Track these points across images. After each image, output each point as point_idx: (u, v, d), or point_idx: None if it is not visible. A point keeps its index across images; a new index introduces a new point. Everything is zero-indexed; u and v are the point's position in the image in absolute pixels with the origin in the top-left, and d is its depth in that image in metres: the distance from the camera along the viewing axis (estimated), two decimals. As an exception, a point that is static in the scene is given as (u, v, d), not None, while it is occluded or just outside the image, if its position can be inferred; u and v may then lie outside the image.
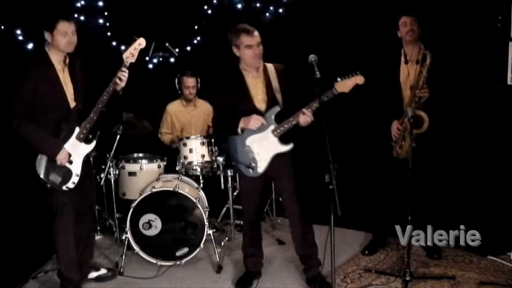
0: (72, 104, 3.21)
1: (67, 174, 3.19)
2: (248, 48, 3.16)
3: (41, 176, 3.14)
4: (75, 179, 3.22)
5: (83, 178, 3.29)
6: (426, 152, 3.58)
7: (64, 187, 3.19)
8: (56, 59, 3.17)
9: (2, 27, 4.07)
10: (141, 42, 3.25)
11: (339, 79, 3.05)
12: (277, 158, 3.25)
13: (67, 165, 3.19)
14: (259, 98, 3.26)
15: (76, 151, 3.22)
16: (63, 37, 3.10)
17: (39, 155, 3.14)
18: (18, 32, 4.19)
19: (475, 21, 3.90)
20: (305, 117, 3.10)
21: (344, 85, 3.06)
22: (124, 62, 3.22)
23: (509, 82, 3.84)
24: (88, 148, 3.29)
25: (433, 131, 3.56)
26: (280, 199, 3.69)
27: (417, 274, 3.55)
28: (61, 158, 3.14)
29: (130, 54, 3.23)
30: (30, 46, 4.23)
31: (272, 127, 3.20)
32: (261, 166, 3.25)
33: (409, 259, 3.42)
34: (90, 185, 3.50)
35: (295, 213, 3.39)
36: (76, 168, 3.22)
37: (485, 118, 3.95)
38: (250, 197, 3.44)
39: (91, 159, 3.84)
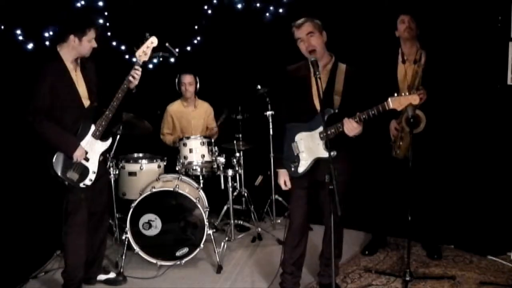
0: (86, 103, 3.24)
1: (84, 171, 3.22)
2: (299, 41, 3.02)
3: (59, 173, 3.14)
4: (92, 176, 3.25)
5: (98, 178, 3.32)
6: (424, 152, 3.58)
7: (81, 184, 3.22)
8: (68, 58, 3.18)
9: (2, 27, 4.07)
10: (153, 41, 3.29)
11: (396, 94, 2.83)
12: (322, 163, 2.99)
13: (84, 162, 3.21)
14: (316, 96, 3.00)
15: (92, 148, 3.25)
16: (89, 43, 3.15)
17: (57, 153, 3.14)
18: (18, 32, 4.18)
19: (475, 21, 3.90)
20: (348, 125, 2.86)
21: (398, 102, 2.81)
22: (137, 61, 3.26)
23: (509, 82, 3.83)
24: (104, 145, 3.33)
25: (431, 130, 3.56)
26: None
27: (417, 274, 3.55)
28: (77, 155, 3.16)
29: (143, 53, 3.27)
30: (30, 46, 4.22)
31: (320, 128, 2.99)
32: (302, 166, 3.08)
33: (409, 259, 3.42)
34: (104, 185, 3.52)
35: (329, 225, 3.05)
36: (92, 166, 3.26)
37: (485, 118, 3.95)
38: (295, 197, 3.20)
39: (109, 159, 3.89)
